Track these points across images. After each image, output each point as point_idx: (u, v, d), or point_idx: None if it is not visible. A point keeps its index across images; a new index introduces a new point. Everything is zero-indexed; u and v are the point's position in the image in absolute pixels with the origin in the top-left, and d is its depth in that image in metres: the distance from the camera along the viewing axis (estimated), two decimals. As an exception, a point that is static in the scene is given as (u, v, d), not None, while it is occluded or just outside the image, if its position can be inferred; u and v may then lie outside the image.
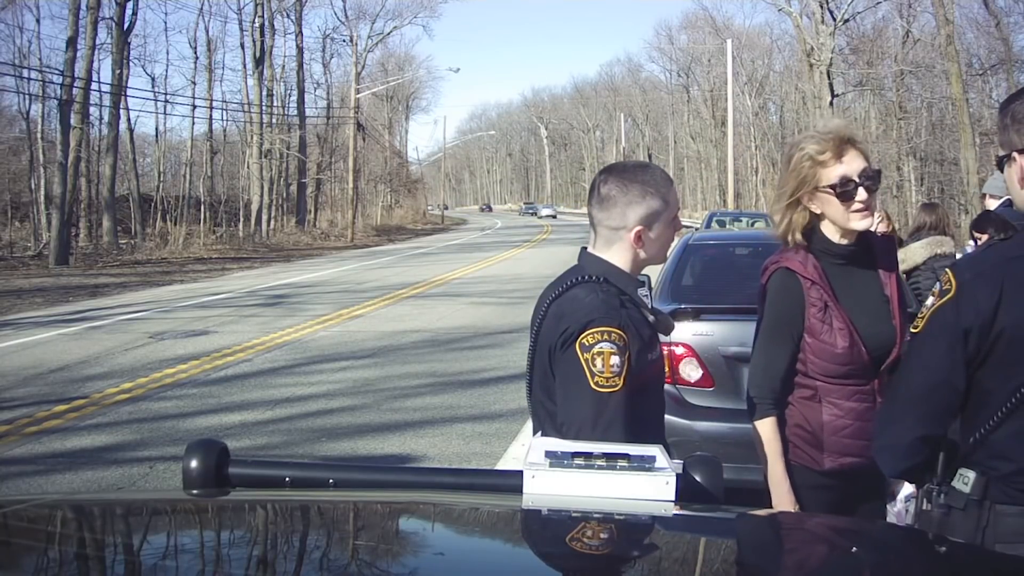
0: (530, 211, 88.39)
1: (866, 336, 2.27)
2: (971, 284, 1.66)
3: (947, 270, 1.73)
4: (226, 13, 56.12)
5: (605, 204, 1.96)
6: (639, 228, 1.94)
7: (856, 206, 2.23)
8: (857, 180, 2.22)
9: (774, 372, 2.36)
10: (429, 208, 76.71)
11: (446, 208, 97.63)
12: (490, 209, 71.52)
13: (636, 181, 1.95)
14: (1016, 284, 1.62)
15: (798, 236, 2.31)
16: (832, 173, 2.23)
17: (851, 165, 2.23)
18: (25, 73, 29.26)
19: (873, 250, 2.37)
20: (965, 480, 1.71)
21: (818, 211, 2.29)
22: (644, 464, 1.33)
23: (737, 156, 45.03)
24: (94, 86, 27.83)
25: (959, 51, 27.00)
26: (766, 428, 2.37)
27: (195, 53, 38.84)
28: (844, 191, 2.22)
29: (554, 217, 76.15)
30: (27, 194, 29.84)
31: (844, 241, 2.31)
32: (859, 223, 2.25)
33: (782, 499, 2.32)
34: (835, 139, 2.23)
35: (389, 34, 55.13)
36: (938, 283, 1.74)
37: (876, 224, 6.91)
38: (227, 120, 41.45)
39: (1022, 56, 31.53)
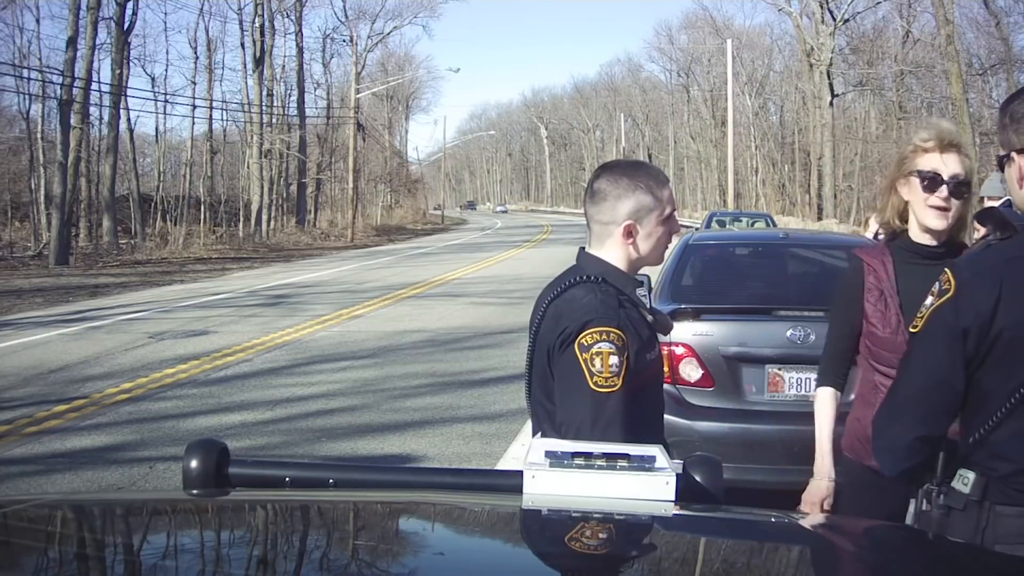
0: (470, 207, 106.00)
1: None
2: (970, 284, 1.66)
3: (946, 270, 1.73)
4: (226, 13, 56.09)
5: (597, 198, 1.97)
6: (628, 223, 1.93)
7: (934, 200, 2.29)
8: (945, 179, 2.28)
9: (831, 349, 2.55)
10: (435, 210, 77.84)
11: (463, 206, 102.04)
12: (438, 208, 78.77)
13: (627, 175, 1.96)
14: (1015, 285, 1.62)
15: (896, 221, 2.40)
16: (926, 162, 2.30)
17: (947, 164, 2.30)
18: (25, 73, 29.28)
19: None
20: (964, 481, 1.70)
21: (907, 198, 2.36)
22: (644, 464, 1.33)
23: (737, 156, 44.99)
24: (94, 86, 27.82)
25: (959, 51, 26.99)
26: (818, 399, 2.58)
27: (195, 53, 38.84)
28: (930, 181, 2.29)
29: (505, 212, 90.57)
30: (27, 194, 29.84)
31: (924, 240, 2.36)
32: (932, 220, 2.31)
33: (820, 465, 2.51)
34: (942, 135, 2.31)
35: (389, 34, 55.15)
36: (937, 283, 1.74)
37: (879, 225, 6.97)
38: (227, 120, 41.47)
39: (1022, 56, 31.55)
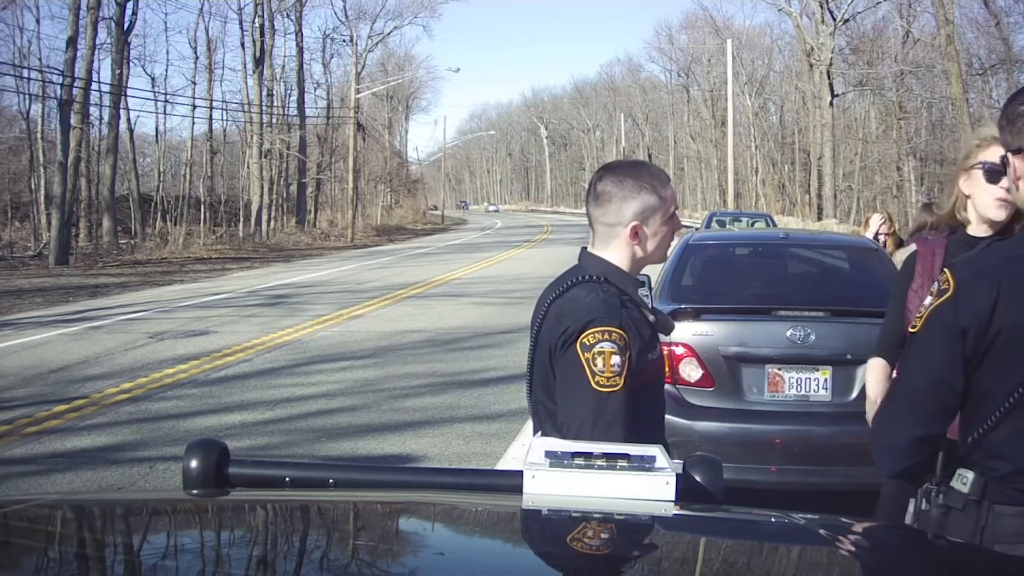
0: (463, 207, 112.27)
1: None
2: (969, 284, 1.66)
3: (945, 270, 1.73)
4: (226, 13, 56.05)
5: (601, 200, 1.97)
6: (635, 223, 1.94)
7: (998, 192, 2.35)
8: None
9: (885, 330, 2.72)
10: (432, 211, 78.23)
11: (458, 206, 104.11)
12: (435, 208, 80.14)
13: (631, 176, 1.97)
14: (1014, 284, 1.62)
15: (963, 212, 2.47)
16: (990, 154, 2.36)
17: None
18: (25, 73, 29.28)
19: None
20: (964, 480, 1.71)
21: (967, 192, 2.42)
22: (644, 464, 1.33)
23: (737, 156, 44.97)
24: (94, 86, 27.82)
25: (959, 51, 27.00)
26: (869, 366, 2.76)
27: (195, 53, 38.81)
28: (994, 172, 2.35)
29: (497, 211, 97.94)
30: (27, 194, 29.84)
31: (981, 231, 2.44)
32: (995, 211, 2.38)
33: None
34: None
35: (389, 34, 55.11)
36: (936, 283, 1.74)
37: (879, 225, 6.93)
38: (227, 120, 41.44)
39: (1022, 56, 31.54)
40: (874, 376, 2.71)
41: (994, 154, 2.35)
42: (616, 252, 1.97)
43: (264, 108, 38.83)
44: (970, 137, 2.52)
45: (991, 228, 2.41)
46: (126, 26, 29.75)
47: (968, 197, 2.43)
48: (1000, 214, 2.37)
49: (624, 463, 1.34)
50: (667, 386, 3.90)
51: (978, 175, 2.39)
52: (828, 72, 38.19)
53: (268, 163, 38.37)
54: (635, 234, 1.94)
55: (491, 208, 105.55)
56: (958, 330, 1.65)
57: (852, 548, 1.29)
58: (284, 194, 40.67)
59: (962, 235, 2.48)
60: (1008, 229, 2.41)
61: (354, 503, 1.45)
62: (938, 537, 1.64)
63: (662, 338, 2.06)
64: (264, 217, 37.26)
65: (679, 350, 4.30)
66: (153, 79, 38.76)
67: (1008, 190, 2.31)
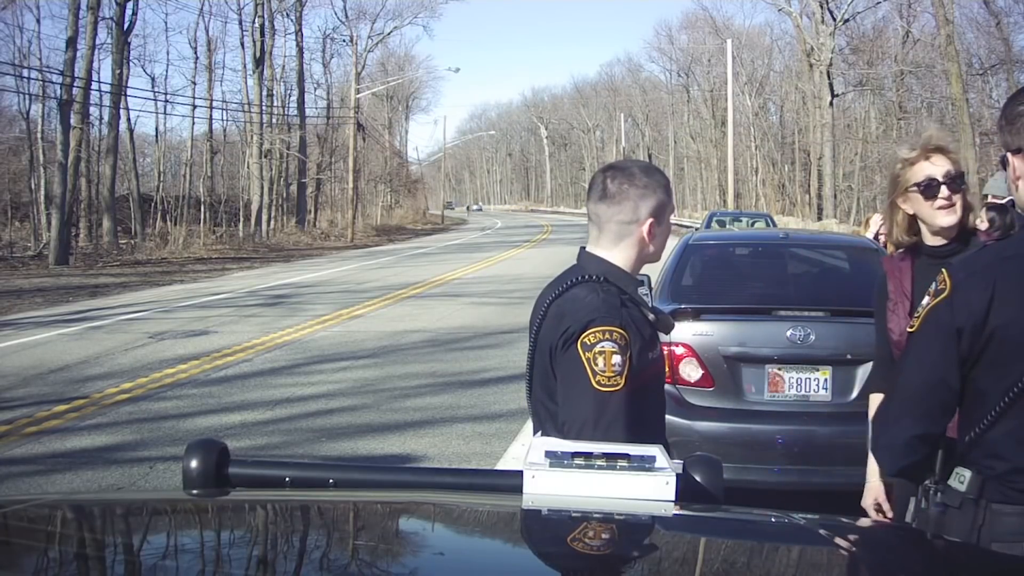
0: (449, 207, 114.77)
1: None
2: (965, 284, 1.67)
3: (943, 270, 1.74)
4: (226, 13, 55.87)
5: (617, 198, 1.96)
6: (651, 220, 1.96)
7: (939, 203, 2.44)
8: (940, 179, 2.44)
9: (876, 355, 2.72)
10: (431, 210, 78.44)
11: (444, 206, 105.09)
12: (428, 209, 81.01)
13: (643, 174, 1.99)
14: (1009, 284, 1.63)
15: (904, 236, 2.55)
16: (918, 172, 2.47)
17: (936, 167, 2.45)
18: (25, 73, 29.26)
19: None
20: (961, 479, 1.71)
21: (911, 212, 2.50)
22: (644, 464, 1.34)
23: (737, 156, 44.95)
24: (94, 86, 27.82)
25: (959, 51, 27.01)
26: (870, 404, 2.66)
27: (195, 53, 38.79)
28: (928, 188, 2.44)
29: (480, 210, 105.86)
30: (27, 194, 29.83)
31: (937, 241, 2.51)
32: (944, 219, 2.44)
33: (869, 468, 2.61)
34: (924, 144, 2.47)
35: (389, 34, 55.07)
36: (934, 283, 1.75)
37: (879, 225, 6.94)
38: (227, 120, 41.43)
39: (1022, 56, 31.54)
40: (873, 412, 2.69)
41: (921, 170, 2.45)
42: (625, 250, 1.97)
43: (264, 108, 38.81)
44: (894, 161, 2.59)
45: (946, 236, 2.48)
46: (126, 26, 29.75)
47: (914, 216, 2.51)
48: (950, 219, 2.45)
49: (624, 463, 1.34)
50: (667, 386, 3.91)
51: (916, 196, 2.47)
52: (828, 72, 38.19)
53: (268, 163, 38.35)
54: (651, 231, 1.96)
55: (475, 208, 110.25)
56: (954, 329, 1.66)
57: (851, 548, 1.29)
58: (284, 194, 40.66)
59: (923, 247, 2.55)
60: (963, 232, 2.48)
61: (354, 503, 1.45)
62: (936, 537, 1.64)
63: (662, 337, 2.07)
64: (264, 217, 37.24)
65: (679, 350, 4.30)
66: (153, 79, 38.82)
67: (948, 198, 2.43)
